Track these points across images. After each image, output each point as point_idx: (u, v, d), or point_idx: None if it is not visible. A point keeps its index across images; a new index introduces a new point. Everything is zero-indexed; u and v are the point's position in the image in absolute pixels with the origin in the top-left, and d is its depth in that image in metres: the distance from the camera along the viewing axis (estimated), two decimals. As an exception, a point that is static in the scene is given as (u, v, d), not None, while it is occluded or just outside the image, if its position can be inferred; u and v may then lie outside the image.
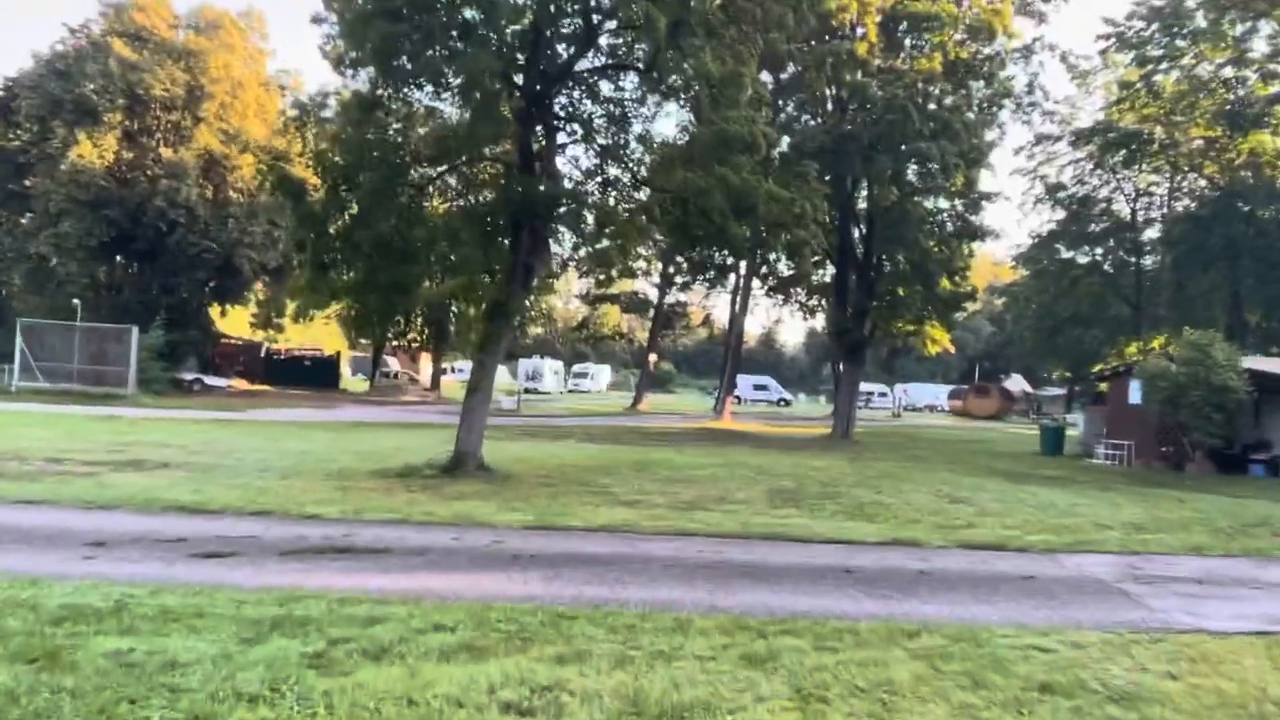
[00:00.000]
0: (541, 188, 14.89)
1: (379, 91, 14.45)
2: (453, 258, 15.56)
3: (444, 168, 15.40)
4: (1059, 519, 13.23)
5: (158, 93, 40.19)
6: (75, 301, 37.90)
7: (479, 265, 15.65)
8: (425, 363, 67.08)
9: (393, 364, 67.62)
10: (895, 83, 26.57)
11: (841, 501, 14.47)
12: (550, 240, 16.69)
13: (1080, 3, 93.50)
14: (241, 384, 52.59)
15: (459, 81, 14.14)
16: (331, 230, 14.56)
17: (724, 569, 8.23)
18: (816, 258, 27.29)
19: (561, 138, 17.43)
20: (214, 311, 47.82)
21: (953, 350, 46.27)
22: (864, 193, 31.98)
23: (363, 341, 61.56)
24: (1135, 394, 25.62)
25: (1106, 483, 20.55)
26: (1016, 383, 78.76)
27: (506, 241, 16.19)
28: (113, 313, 39.21)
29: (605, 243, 19.48)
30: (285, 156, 14.63)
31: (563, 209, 16.23)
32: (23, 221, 41.14)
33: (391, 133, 14.93)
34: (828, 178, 21.99)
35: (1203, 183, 44.90)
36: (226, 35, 44.15)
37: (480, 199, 15.76)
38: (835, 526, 11.20)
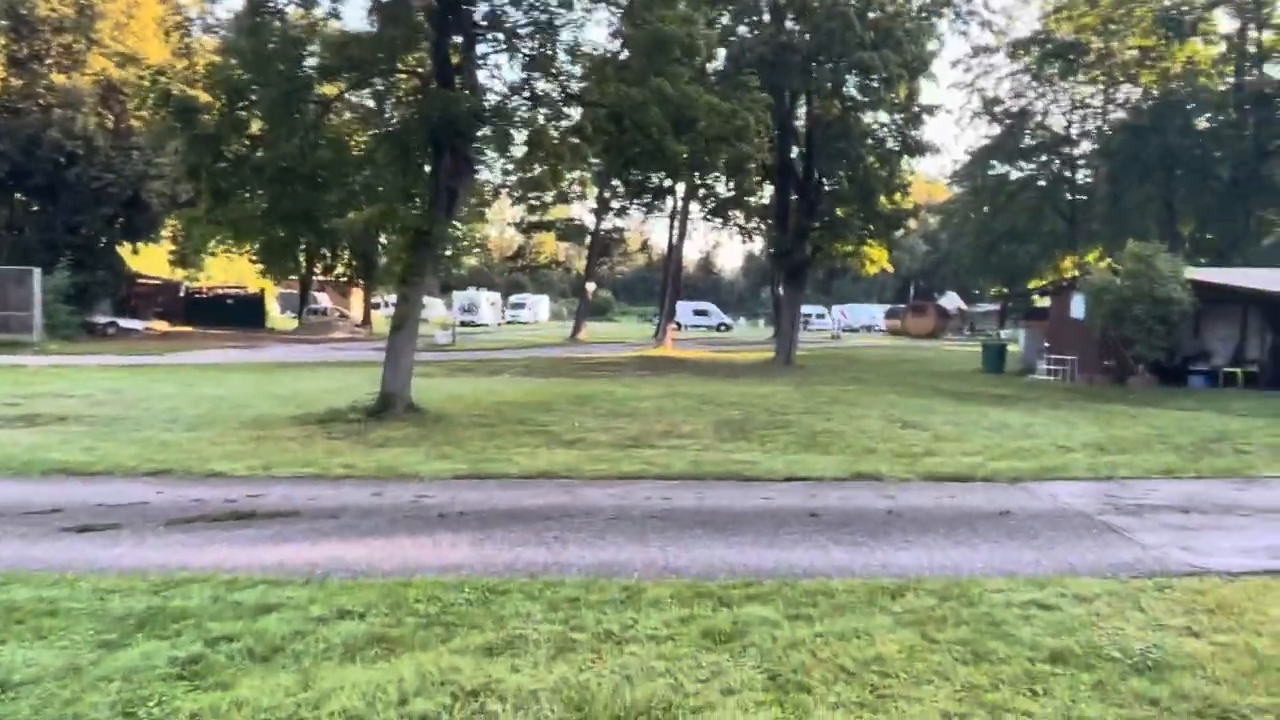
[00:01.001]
0: (463, 104, 13.56)
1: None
2: (368, 183, 14.20)
3: (352, 82, 13.91)
4: (1017, 442, 12.75)
5: (43, 12, 36.92)
6: (-33, 243, 35.18)
7: (396, 191, 14.32)
8: (357, 298, 64.86)
9: (323, 300, 65.22)
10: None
11: (793, 431, 13.81)
12: (475, 163, 15.38)
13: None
14: (160, 326, 50.14)
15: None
16: (229, 154, 13.08)
17: (676, 519, 7.42)
18: (758, 178, 26.24)
19: (484, 47, 16.03)
20: (125, 250, 45.04)
21: (891, 270, 46.02)
22: (803, 109, 30.92)
23: (291, 278, 59.18)
24: (1078, 308, 25.44)
25: (1054, 399, 20.32)
26: (951, 300, 79.37)
27: (427, 166, 14.89)
28: (14, 255, 36.56)
29: (536, 166, 18.28)
30: (166, 72, 12.92)
31: (487, 128, 14.91)
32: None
33: (291, 42, 13.35)
34: (765, 93, 20.86)
35: (1138, 93, 44.79)
36: (118, -54, 40.60)
37: (395, 117, 14.32)
38: (791, 461, 10.49)
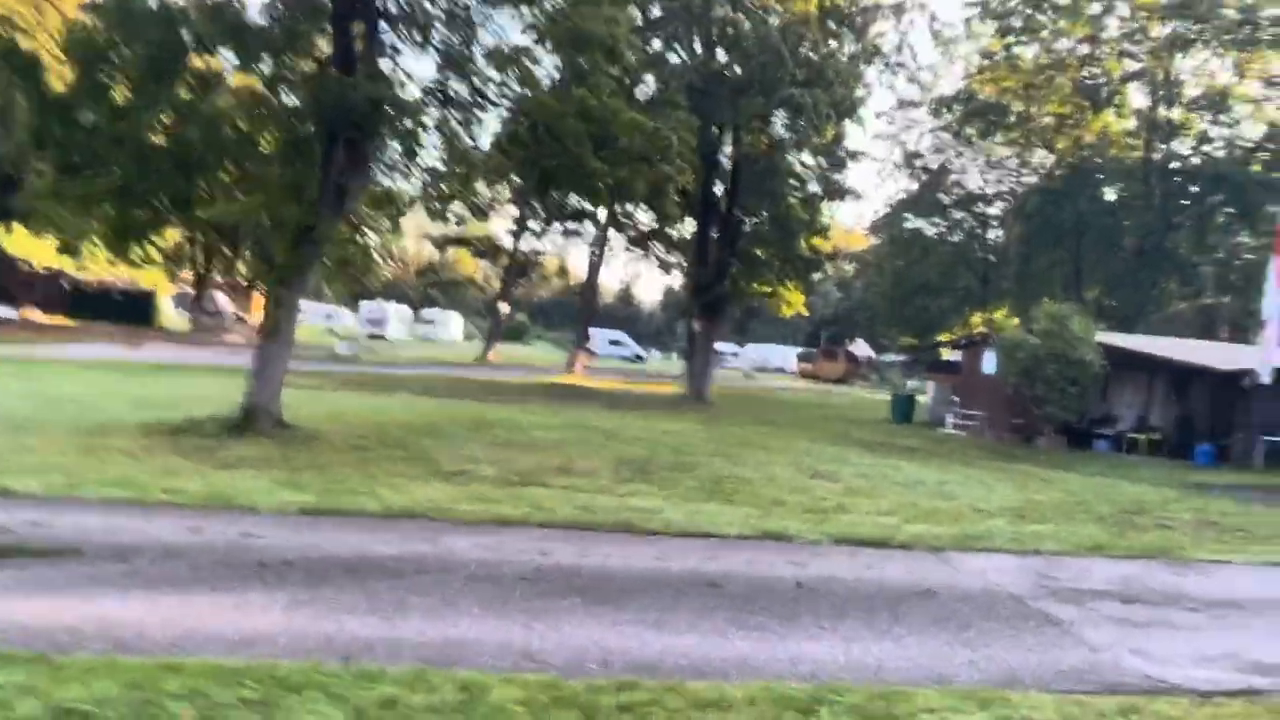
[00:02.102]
0: (360, 91, 12.23)
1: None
2: (247, 170, 12.70)
3: (237, 56, 12.42)
4: (933, 501, 11.94)
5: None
6: None
7: (281, 183, 12.85)
8: (259, 302, 61.68)
9: (221, 301, 61.89)
10: (767, 23, 24.85)
11: (698, 474, 12.75)
12: (371, 159, 14.00)
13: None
14: (37, 317, 46.66)
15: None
16: (84, 124, 11.44)
17: (551, 581, 6.21)
18: (679, 206, 25.40)
19: (393, 39, 14.75)
20: (-1, 233, 41.69)
21: (806, 314, 45.85)
22: (730, 144, 30.38)
23: (194, 276, 55.86)
24: (990, 364, 25.25)
25: (965, 455, 19.82)
26: (861, 348, 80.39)
27: (316, 157, 13.46)
28: None
29: (443, 170, 17.01)
30: (12, 20, 11.26)
31: (387, 122, 13.59)
32: None
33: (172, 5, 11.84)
34: (693, 120, 20.15)
35: (1051, 159, 45.86)
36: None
37: (282, 100, 12.88)
38: (692, 512, 9.38)
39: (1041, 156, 47.05)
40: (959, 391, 28.00)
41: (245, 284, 58.44)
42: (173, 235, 45.16)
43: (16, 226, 40.90)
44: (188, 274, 56.54)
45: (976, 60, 46.24)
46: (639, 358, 75.68)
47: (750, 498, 11.08)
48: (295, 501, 8.18)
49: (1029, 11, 42.35)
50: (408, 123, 14.20)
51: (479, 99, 15.57)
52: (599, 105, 14.51)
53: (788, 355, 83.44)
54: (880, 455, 18.07)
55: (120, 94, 11.67)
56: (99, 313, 49.77)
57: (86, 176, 11.34)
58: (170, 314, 60.21)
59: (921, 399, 32.46)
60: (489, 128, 16.80)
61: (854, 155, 31.21)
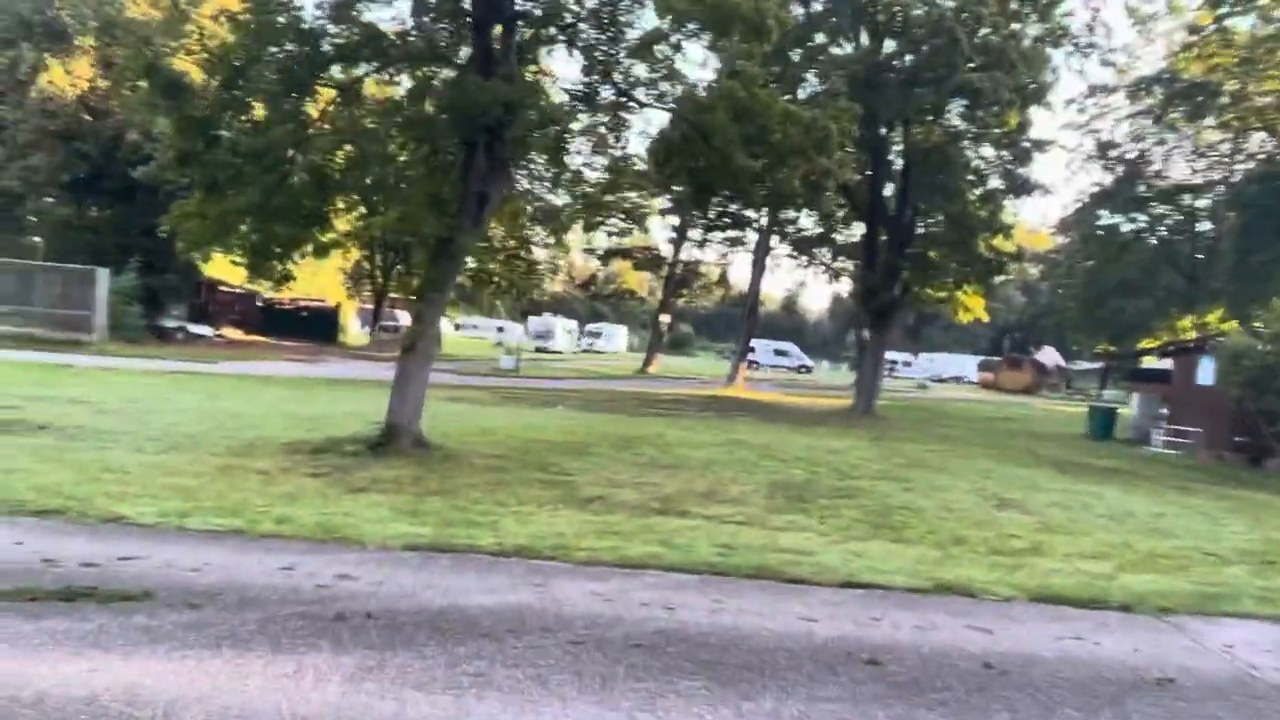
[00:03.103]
0: (495, 93, 11.61)
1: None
2: (385, 181, 12.35)
3: (374, 66, 12.10)
4: (1149, 541, 10.01)
5: (132, 14, 36.91)
6: (36, 239, 35.11)
7: (420, 194, 12.43)
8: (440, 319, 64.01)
9: (400, 317, 64.72)
10: (939, 5, 22.86)
11: (862, 502, 11.32)
12: (511, 165, 13.41)
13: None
14: (232, 334, 50.07)
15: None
16: (225, 141, 11.38)
17: (669, 653, 5.07)
18: (841, 202, 23.76)
19: (536, 42, 14.18)
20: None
21: (986, 319, 42.58)
22: (898, 144, 28.39)
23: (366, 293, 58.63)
24: (1208, 374, 22.18)
25: (1179, 480, 17.24)
26: (1049, 355, 74.82)
27: (456, 167, 13.01)
28: (89, 255, 36.38)
29: (592, 177, 16.43)
30: (154, 40, 11.32)
31: (525, 126, 12.97)
32: (-10, 153, 38.37)
33: (310, 19, 11.66)
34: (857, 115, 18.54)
35: (1272, 143, 40.72)
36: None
37: (421, 110, 12.47)
38: (852, 553, 8.04)
39: (1260, 140, 41.91)
40: (1170, 404, 24.82)
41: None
42: (354, 254, 47.58)
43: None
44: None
45: (1180, 36, 41.75)
46: (805, 368, 73.53)
47: (923, 533, 9.58)
48: (407, 535, 7.45)
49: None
50: (552, 129, 13.60)
51: (625, 98, 14.79)
52: (749, 97, 13.36)
53: (966, 364, 78.84)
54: (1077, 479, 15.90)
55: (259, 109, 11.55)
56: (288, 330, 52.97)
57: (227, 195, 11.24)
58: (354, 330, 63.49)
59: (1123, 411, 29.18)
60: (643, 135, 16.14)
61: (1041, 146, 28.43)
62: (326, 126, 11.61)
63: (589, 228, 38.12)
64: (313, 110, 11.82)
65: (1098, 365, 68.93)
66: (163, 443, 12.29)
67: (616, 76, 14.31)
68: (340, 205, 12.48)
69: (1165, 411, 24.78)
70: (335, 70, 12.02)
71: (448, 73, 13.39)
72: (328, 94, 12.12)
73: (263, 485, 9.62)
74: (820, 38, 25.90)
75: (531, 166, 17.13)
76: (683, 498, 10.81)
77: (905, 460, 16.60)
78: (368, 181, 12.10)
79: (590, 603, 5.90)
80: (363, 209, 12.66)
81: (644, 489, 11.29)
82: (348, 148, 12.05)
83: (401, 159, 12.76)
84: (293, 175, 11.22)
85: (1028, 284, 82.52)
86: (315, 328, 55.19)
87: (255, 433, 13.91)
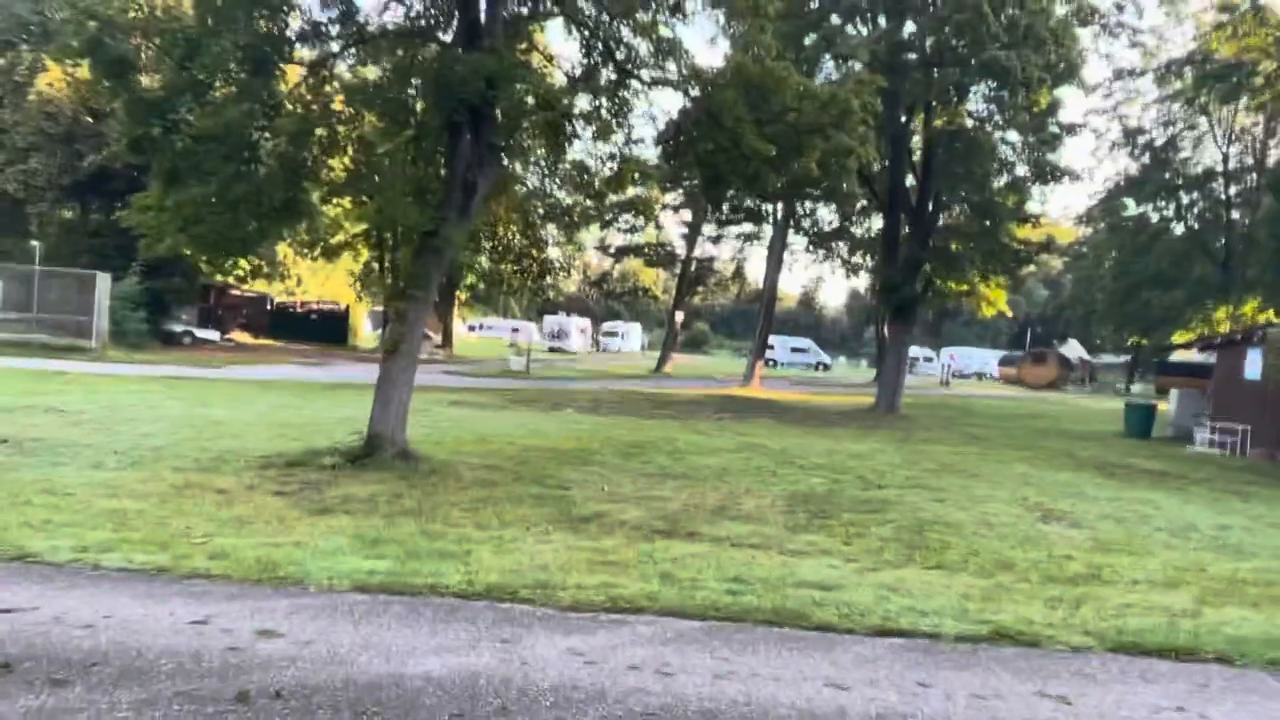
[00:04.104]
0: (479, 65, 10.48)
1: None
2: (362, 170, 11.26)
3: (347, 40, 10.99)
4: (1224, 562, 8.76)
5: (131, 15, 36.03)
6: (34, 244, 34.35)
7: (401, 182, 11.32)
8: (452, 319, 63.09)
9: (411, 318, 63.71)
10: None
11: (892, 517, 10.13)
12: (498, 150, 12.25)
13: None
14: (242, 337, 49.35)
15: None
16: (183, 126, 10.30)
17: (659, 741, 3.93)
18: (861, 190, 22.49)
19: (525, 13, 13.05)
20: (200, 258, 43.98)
21: (1009, 313, 41.10)
22: (918, 130, 27.05)
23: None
24: (1254, 368, 20.79)
25: (1233, 483, 15.91)
26: (1073, 349, 73.04)
27: (438, 152, 11.90)
28: (93, 259, 35.61)
29: (592, 165, 15.26)
30: (97, 14, 10.22)
31: (520, 108, 11.85)
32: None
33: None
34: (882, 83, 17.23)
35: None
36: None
37: (399, 92, 11.34)
38: (887, 586, 6.84)
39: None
40: (1214, 400, 23.42)
41: (434, 301, 59.72)
42: (364, 254, 46.67)
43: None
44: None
45: (1212, 16, 40.11)
46: (824, 365, 72.13)
47: (965, 554, 8.38)
48: (357, 571, 6.33)
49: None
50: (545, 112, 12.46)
51: (628, 76, 13.64)
52: (761, 73, 12.20)
53: (988, 359, 77.16)
54: (1125, 484, 14.62)
55: (220, 91, 10.47)
56: (298, 333, 52.22)
57: (189, 185, 10.17)
58: (365, 332, 62.61)
59: (1162, 406, 27.72)
60: (650, 121, 14.98)
61: (1070, 129, 27.02)
62: (292, 108, 10.49)
63: (600, 225, 37.05)
64: (284, 89, 10.72)
65: (1122, 359, 67.09)
66: (125, 457, 11.27)
67: (619, 55, 13.17)
68: (315, 197, 11.36)
69: (1209, 409, 23.38)
70: (303, 49, 10.91)
71: (433, 47, 12.30)
72: (294, 73, 11.03)
73: (216, 508, 8.54)
74: (835, 19, 24.63)
75: (530, 157, 16.07)
76: (691, 515, 9.66)
77: (935, 465, 15.37)
78: (342, 170, 10.99)
79: (566, 667, 4.74)
80: (341, 201, 11.53)
81: (649, 504, 10.16)
82: (319, 132, 10.92)
83: (380, 147, 11.64)
84: (256, 163, 10.12)
85: (1050, 277, 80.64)
86: (326, 330, 54.49)
87: (232, 443, 12.87)
